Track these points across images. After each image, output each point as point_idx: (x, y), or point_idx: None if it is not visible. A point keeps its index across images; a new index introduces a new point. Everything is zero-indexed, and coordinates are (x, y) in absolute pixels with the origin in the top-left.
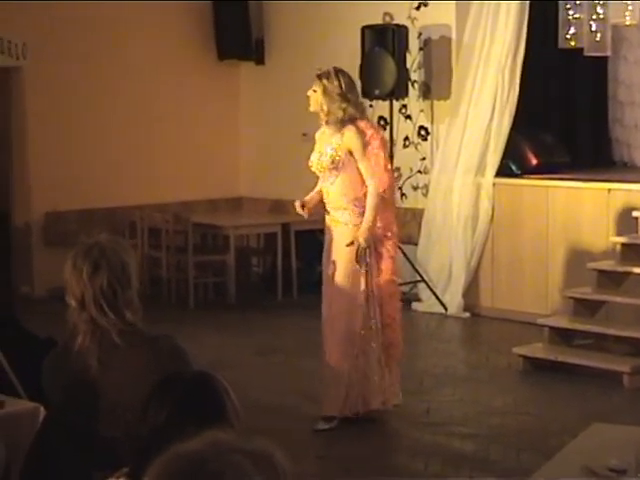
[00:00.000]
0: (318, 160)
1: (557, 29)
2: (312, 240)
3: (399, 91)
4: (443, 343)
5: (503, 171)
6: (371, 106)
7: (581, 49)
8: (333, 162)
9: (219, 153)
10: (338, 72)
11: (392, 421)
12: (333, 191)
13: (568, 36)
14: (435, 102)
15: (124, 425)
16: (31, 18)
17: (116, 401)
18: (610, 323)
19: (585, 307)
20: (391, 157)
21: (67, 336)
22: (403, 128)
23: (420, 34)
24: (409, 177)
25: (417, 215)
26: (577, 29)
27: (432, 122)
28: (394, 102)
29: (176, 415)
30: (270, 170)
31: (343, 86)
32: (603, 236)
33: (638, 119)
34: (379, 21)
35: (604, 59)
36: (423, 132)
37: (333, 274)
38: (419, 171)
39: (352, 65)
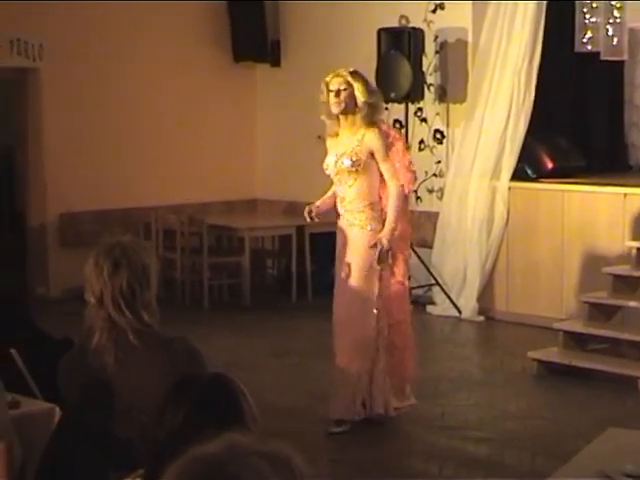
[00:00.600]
0: (335, 162)
1: (574, 33)
2: (327, 242)
3: (415, 94)
4: (458, 347)
5: (518, 175)
6: (387, 109)
7: (597, 53)
8: (353, 164)
9: (234, 155)
10: (359, 73)
11: (407, 424)
12: (350, 194)
13: (585, 40)
14: (451, 105)
15: (139, 427)
16: (48, 19)
17: (132, 402)
18: (625, 328)
19: (600, 312)
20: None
21: (83, 336)
22: (419, 131)
23: (436, 37)
24: (424, 180)
25: (432, 218)
26: (594, 33)
27: (448, 125)
28: (410, 105)
29: (193, 417)
30: (285, 172)
31: (369, 85)
32: (619, 240)
33: None
34: (395, 24)
35: (620, 63)
36: (439, 135)
37: (347, 277)
38: (434, 174)
39: (368, 68)
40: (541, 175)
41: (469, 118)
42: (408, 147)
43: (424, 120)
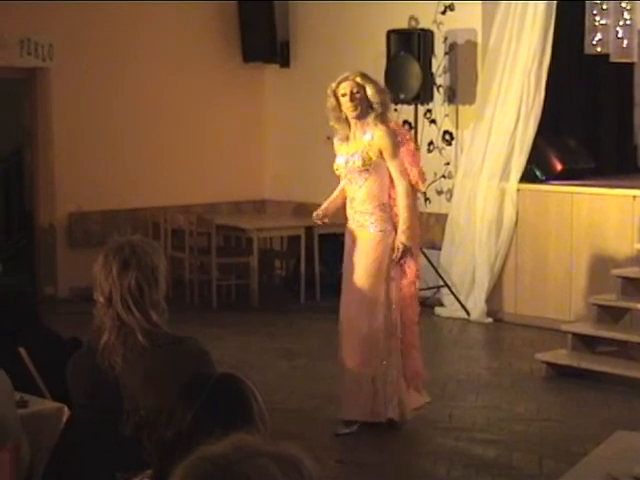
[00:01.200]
0: (346, 162)
1: (583, 34)
2: (335, 243)
3: (424, 95)
4: (466, 349)
5: (528, 176)
6: (396, 110)
7: (607, 55)
8: (364, 163)
9: (243, 155)
10: (366, 74)
11: (414, 426)
12: (360, 195)
13: (594, 42)
14: (460, 107)
15: (147, 427)
16: (57, 19)
17: (140, 402)
18: (634, 330)
19: (609, 314)
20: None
21: (92, 336)
22: (428, 133)
23: (446, 38)
24: (433, 182)
25: (441, 220)
26: (603, 35)
27: (457, 127)
28: (419, 106)
29: (202, 417)
30: (294, 173)
31: (378, 85)
32: (628, 243)
33: None
34: (405, 25)
35: (630, 65)
36: (448, 137)
37: (355, 278)
38: (443, 176)
39: (377, 69)
40: (550, 177)
41: (478, 119)
42: (418, 148)
43: (433, 121)
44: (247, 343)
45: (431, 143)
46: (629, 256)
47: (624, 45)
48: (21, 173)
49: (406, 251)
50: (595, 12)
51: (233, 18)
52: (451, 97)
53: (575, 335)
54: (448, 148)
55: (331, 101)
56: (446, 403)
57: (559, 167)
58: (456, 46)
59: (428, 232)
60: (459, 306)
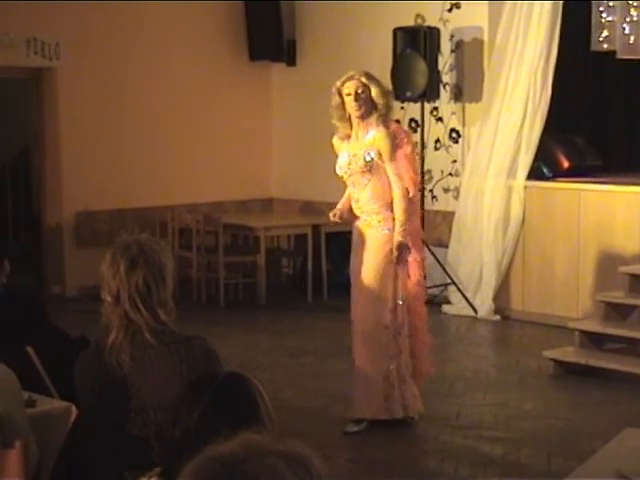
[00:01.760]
0: (348, 164)
1: (590, 31)
2: (343, 242)
3: (431, 93)
4: (473, 346)
5: (535, 174)
6: (402, 108)
7: (614, 52)
8: (366, 164)
9: (250, 154)
10: (371, 74)
11: (422, 424)
12: (364, 196)
13: (601, 39)
14: (467, 104)
15: (155, 425)
16: (64, 19)
17: (148, 401)
18: None
19: (617, 311)
20: (422, 160)
21: (99, 335)
22: (434, 130)
23: (452, 36)
24: (440, 179)
25: (448, 218)
26: (610, 32)
27: (464, 125)
28: (425, 104)
29: (209, 416)
30: (301, 171)
31: (383, 86)
32: (635, 240)
33: None
34: (411, 23)
35: (637, 61)
36: (454, 135)
37: (363, 277)
38: (450, 174)
39: (384, 67)
40: (557, 174)
41: (485, 117)
42: (415, 151)
43: (440, 119)
44: (254, 341)
45: (438, 141)
46: (637, 253)
47: (631, 42)
48: (28, 173)
49: (404, 248)
50: (602, 9)
51: (240, 17)
52: (457, 95)
53: (583, 332)
54: (455, 146)
55: (336, 99)
56: (454, 401)
57: (566, 164)
58: (462, 44)
59: (435, 230)
60: (466, 304)
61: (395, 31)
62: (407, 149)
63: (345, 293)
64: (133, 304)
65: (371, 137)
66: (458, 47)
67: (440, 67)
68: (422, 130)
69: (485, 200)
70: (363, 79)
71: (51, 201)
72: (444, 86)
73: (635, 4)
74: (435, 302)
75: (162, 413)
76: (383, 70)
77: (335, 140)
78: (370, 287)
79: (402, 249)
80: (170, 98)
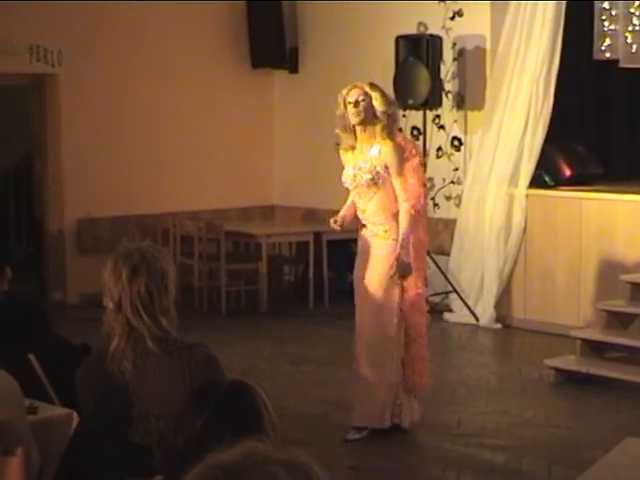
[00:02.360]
0: (354, 176)
1: (592, 40)
2: (344, 249)
3: (433, 101)
4: (475, 354)
5: (536, 182)
6: (404, 116)
7: (616, 60)
8: (373, 178)
9: (252, 161)
10: (376, 84)
11: (423, 432)
12: (370, 208)
13: (603, 48)
14: (469, 112)
15: (157, 433)
16: (67, 26)
17: (149, 408)
18: None
19: (618, 320)
20: (424, 167)
21: (101, 342)
22: (436, 138)
23: (454, 44)
24: (442, 187)
25: (449, 225)
26: (612, 41)
27: (465, 132)
28: (428, 112)
29: (212, 425)
30: (303, 179)
31: (387, 96)
32: (637, 248)
33: None
34: (413, 31)
35: (639, 70)
36: (456, 142)
37: (368, 286)
38: (452, 181)
39: (386, 75)
40: (559, 182)
41: (487, 125)
42: (424, 162)
43: (442, 127)
44: (256, 349)
45: (440, 149)
46: (638, 262)
47: (633, 50)
48: (30, 179)
49: (405, 267)
50: (604, 18)
51: (242, 24)
52: (460, 103)
53: (584, 341)
54: (457, 154)
55: (340, 109)
56: (455, 409)
57: (568, 173)
58: (465, 52)
59: (437, 238)
60: (468, 312)
61: (397, 39)
62: (414, 161)
63: (346, 300)
64: (135, 311)
65: (376, 152)
66: (460, 55)
67: (442, 75)
68: (424, 138)
69: (487, 208)
70: (366, 88)
71: (53, 207)
72: (446, 94)
73: (637, 13)
74: (437, 310)
75: (164, 421)
76: (385, 78)
77: (341, 151)
78: (375, 296)
79: (402, 267)
80: (172, 105)
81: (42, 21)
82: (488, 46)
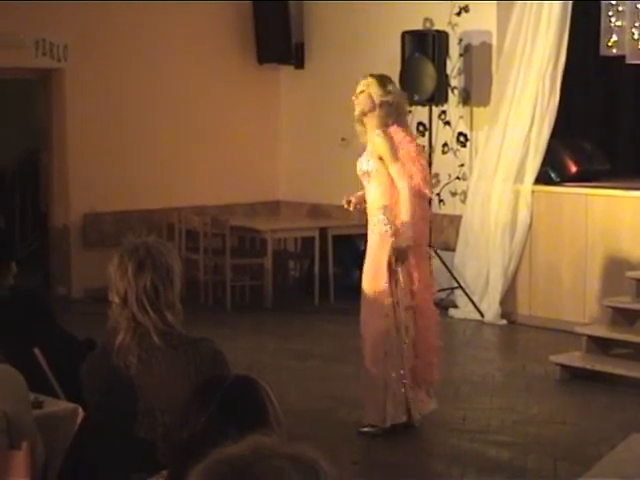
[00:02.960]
0: (359, 167)
1: (599, 36)
2: (349, 245)
3: (439, 97)
4: (480, 350)
5: (542, 178)
6: (410, 112)
7: (623, 57)
8: (368, 166)
9: (257, 156)
10: (381, 76)
11: (428, 428)
12: (369, 198)
13: (610, 43)
14: (475, 108)
15: (162, 427)
16: (73, 20)
17: (155, 403)
18: None
19: (624, 316)
20: (430, 163)
21: (107, 337)
22: (442, 134)
23: (461, 40)
24: (447, 183)
25: (455, 221)
26: (619, 37)
27: (471, 128)
28: (433, 108)
29: (217, 419)
30: (308, 174)
31: (386, 85)
32: None
33: None
34: (419, 26)
35: None
36: (462, 138)
37: (363, 281)
38: (457, 177)
39: (392, 70)
40: (565, 179)
41: (493, 121)
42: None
43: (448, 123)
44: (261, 344)
45: (445, 145)
46: None
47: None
48: (36, 174)
49: (402, 254)
50: (611, 13)
51: (248, 19)
52: (466, 99)
53: (589, 337)
54: (462, 150)
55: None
56: (460, 405)
57: (574, 169)
58: (471, 48)
59: (442, 234)
60: (473, 308)
61: (403, 34)
62: (411, 148)
63: (352, 296)
64: (141, 306)
65: (372, 142)
66: (466, 51)
67: (448, 71)
68: (430, 134)
69: (492, 204)
70: (369, 78)
71: (58, 202)
72: (452, 90)
73: None
74: (442, 306)
75: (169, 415)
76: (391, 73)
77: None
78: (367, 292)
79: (398, 252)
80: (177, 100)
81: (48, 15)
82: (494, 42)
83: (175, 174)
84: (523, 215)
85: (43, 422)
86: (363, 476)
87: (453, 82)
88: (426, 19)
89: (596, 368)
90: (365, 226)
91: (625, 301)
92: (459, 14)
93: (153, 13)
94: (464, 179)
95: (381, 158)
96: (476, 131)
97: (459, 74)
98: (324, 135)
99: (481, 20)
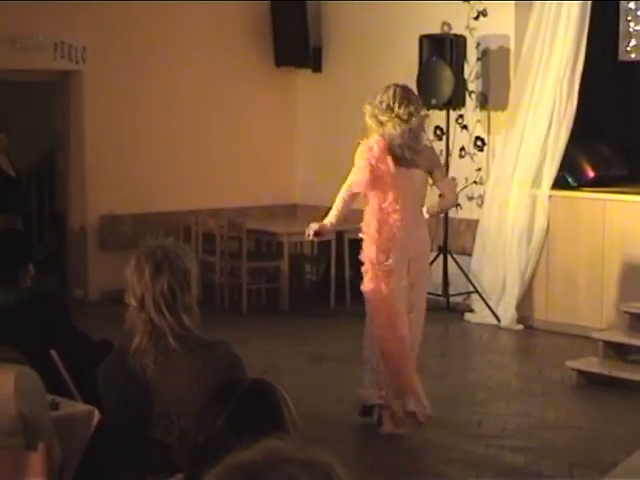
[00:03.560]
0: None
1: (617, 40)
2: None
3: (456, 101)
4: (496, 355)
5: (560, 183)
6: (427, 115)
7: None
8: None
9: (274, 160)
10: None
11: (443, 432)
12: None
13: (628, 48)
14: (492, 113)
15: (178, 430)
16: (91, 22)
17: (171, 405)
18: None
19: None
20: (447, 167)
21: (123, 339)
22: (459, 138)
23: (478, 44)
24: (464, 187)
25: (472, 226)
26: (638, 41)
27: (489, 133)
28: (451, 112)
29: (233, 422)
30: (325, 178)
31: (382, 96)
32: None
33: None
34: (437, 31)
35: None
36: (479, 143)
37: None
38: (474, 182)
39: (409, 74)
40: (582, 184)
41: (510, 126)
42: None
43: (465, 127)
44: (276, 347)
45: (462, 149)
46: None
47: None
48: (53, 175)
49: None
50: (629, 18)
51: (266, 22)
52: (483, 103)
53: (606, 343)
54: (480, 154)
55: None
56: (476, 409)
57: (591, 174)
58: (489, 52)
59: (459, 238)
60: (489, 312)
61: (421, 38)
62: (359, 163)
63: None
64: (158, 309)
65: None
66: (484, 55)
67: (466, 75)
68: (447, 137)
69: (509, 209)
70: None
71: (75, 204)
72: (470, 94)
73: None
74: (458, 310)
75: (185, 418)
76: (409, 77)
77: None
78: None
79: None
80: (195, 102)
81: (67, 18)
82: (512, 46)
83: (192, 176)
84: (540, 220)
85: (59, 424)
86: None
87: (471, 86)
88: (444, 23)
89: (613, 374)
90: None
91: None
92: (477, 18)
93: (171, 17)
94: (481, 183)
95: None
96: (493, 135)
97: (477, 78)
98: (341, 139)
99: (499, 24)
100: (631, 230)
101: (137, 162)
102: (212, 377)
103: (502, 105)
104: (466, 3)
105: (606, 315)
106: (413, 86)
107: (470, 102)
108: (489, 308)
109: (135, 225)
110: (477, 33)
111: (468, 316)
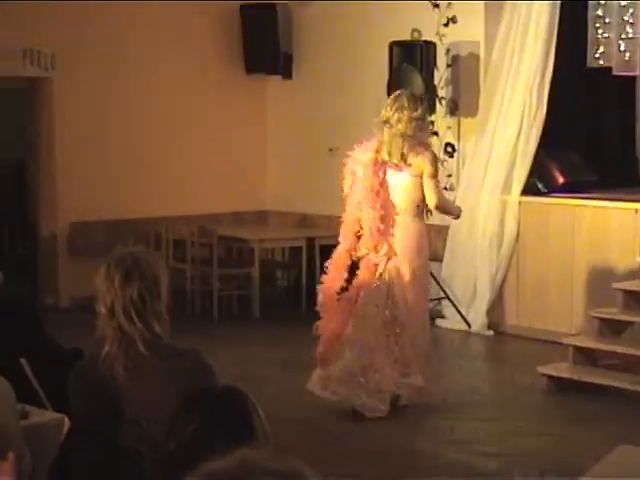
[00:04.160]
0: None
1: (586, 48)
2: None
3: (426, 107)
4: (467, 361)
5: (529, 189)
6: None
7: (610, 68)
8: None
9: (245, 166)
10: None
11: (415, 438)
12: None
13: (597, 55)
14: (462, 119)
15: (149, 438)
16: (60, 30)
17: (141, 412)
18: (636, 344)
19: (611, 327)
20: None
21: (94, 347)
22: None
23: (448, 50)
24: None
25: (442, 232)
26: (606, 48)
27: (459, 139)
28: None
29: (204, 431)
30: (296, 184)
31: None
32: (629, 256)
33: None
34: (407, 37)
35: (632, 78)
36: (450, 149)
37: None
38: (445, 188)
39: (380, 81)
40: (552, 190)
41: (480, 132)
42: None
43: (435, 134)
44: (248, 354)
45: None
46: (631, 269)
47: (626, 58)
48: (23, 183)
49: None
50: (598, 25)
51: (236, 30)
52: (453, 109)
53: (576, 348)
54: (450, 160)
55: None
56: (447, 415)
57: (561, 180)
58: (458, 58)
59: (430, 244)
60: (460, 318)
61: (391, 45)
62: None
63: None
64: (127, 316)
65: None
66: (454, 62)
67: (436, 81)
68: None
69: (480, 215)
70: None
71: (46, 211)
72: (440, 100)
73: (631, 20)
74: (429, 316)
75: (155, 425)
76: (379, 84)
77: None
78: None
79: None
80: (165, 110)
81: (36, 25)
82: (482, 53)
83: (162, 183)
84: (510, 226)
85: (29, 432)
86: None
87: (441, 93)
88: (414, 30)
89: (583, 379)
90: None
91: (612, 312)
92: (447, 25)
93: (141, 24)
94: (451, 189)
95: None
96: (463, 142)
97: (447, 85)
98: (312, 145)
99: (469, 31)
100: (601, 236)
101: (107, 169)
102: (183, 384)
103: (472, 112)
104: (436, 10)
105: (576, 320)
106: (384, 93)
107: (440, 109)
108: (460, 314)
109: (105, 232)
110: (447, 40)
111: (439, 322)
